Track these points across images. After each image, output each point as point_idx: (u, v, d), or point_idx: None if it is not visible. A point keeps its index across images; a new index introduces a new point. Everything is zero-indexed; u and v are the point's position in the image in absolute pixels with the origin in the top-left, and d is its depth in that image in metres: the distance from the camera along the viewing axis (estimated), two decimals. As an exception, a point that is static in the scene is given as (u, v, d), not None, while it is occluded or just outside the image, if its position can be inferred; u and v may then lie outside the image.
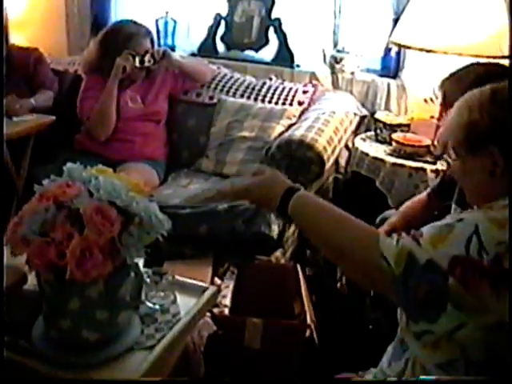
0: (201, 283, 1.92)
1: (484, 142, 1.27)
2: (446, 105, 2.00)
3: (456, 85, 1.94)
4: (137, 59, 3.09)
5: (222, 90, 3.35)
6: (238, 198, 1.52)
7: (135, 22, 3.22)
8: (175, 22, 3.91)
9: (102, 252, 1.33)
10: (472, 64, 2.03)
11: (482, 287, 1.10)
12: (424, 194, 2.33)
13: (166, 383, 1.46)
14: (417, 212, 2.26)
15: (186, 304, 1.74)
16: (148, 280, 1.71)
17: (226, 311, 2.21)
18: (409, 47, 3.02)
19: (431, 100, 3.01)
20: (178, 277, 1.83)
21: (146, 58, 3.11)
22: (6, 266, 1.45)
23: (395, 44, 3.11)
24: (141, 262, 1.63)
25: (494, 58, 2.57)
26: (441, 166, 2.81)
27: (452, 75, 2.01)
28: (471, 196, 1.38)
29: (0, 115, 2.66)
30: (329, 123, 2.90)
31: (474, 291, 1.11)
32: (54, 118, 3.20)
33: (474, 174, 1.32)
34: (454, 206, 2.17)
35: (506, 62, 2.43)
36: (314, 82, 3.49)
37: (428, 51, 2.83)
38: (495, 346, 1.15)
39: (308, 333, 2.14)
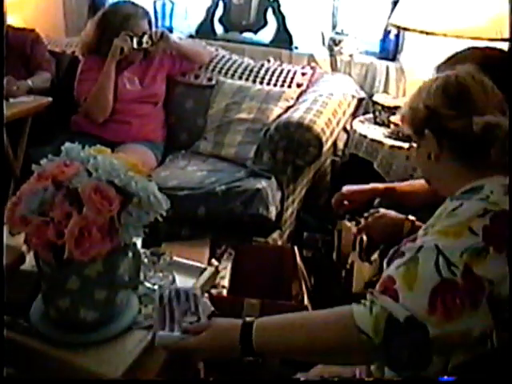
0: (199, 264, 1.93)
1: (422, 127, 1.37)
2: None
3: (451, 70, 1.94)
4: (134, 40, 3.07)
5: (220, 72, 3.33)
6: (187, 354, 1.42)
7: (133, 3, 3.20)
8: (173, 3, 3.89)
9: (100, 231, 1.34)
10: (469, 48, 2.00)
11: (465, 311, 1.13)
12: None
13: (166, 383, 1.47)
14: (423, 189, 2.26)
15: (184, 284, 1.74)
16: (146, 260, 1.71)
17: (224, 292, 2.21)
18: (408, 29, 3.01)
19: (430, 83, 2.99)
20: (176, 257, 1.84)
21: (144, 39, 3.09)
22: (4, 246, 1.45)
23: (394, 26, 3.09)
24: (139, 242, 1.63)
25: (494, 40, 2.56)
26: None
27: (449, 59, 1.99)
28: (431, 184, 1.49)
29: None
30: (327, 105, 2.89)
31: (458, 321, 1.13)
32: (50, 99, 3.19)
33: (420, 159, 1.43)
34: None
35: (505, 45, 2.42)
36: (313, 64, 3.48)
37: (427, 33, 2.81)
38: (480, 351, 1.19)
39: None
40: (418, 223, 2.05)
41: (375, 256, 2.12)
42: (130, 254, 1.50)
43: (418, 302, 1.14)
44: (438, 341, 1.13)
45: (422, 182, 2.29)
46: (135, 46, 3.08)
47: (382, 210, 2.14)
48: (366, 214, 2.15)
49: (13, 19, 3.59)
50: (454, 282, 1.14)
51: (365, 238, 2.14)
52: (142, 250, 1.64)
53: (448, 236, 1.19)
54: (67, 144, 1.50)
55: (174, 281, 1.76)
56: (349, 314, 1.20)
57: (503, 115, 1.32)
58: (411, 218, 2.04)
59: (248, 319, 1.33)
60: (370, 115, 3.24)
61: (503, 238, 1.18)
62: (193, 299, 1.55)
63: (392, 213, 2.10)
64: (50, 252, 1.36)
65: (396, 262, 1.24)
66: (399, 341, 1.15)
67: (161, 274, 1.74)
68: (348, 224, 2.13)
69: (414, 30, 2.88)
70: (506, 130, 1.27)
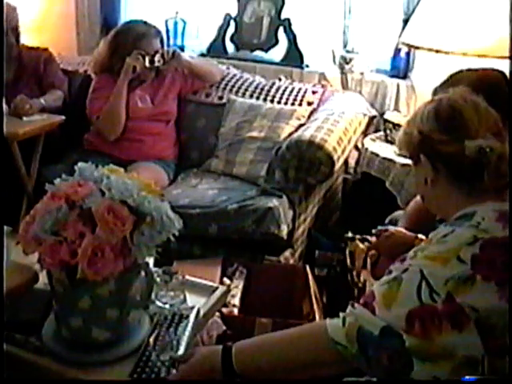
0: (211, 283, 1.92)
1: (417, 152, 1.37)
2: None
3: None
4: (147, 59, 3.09)
5: (231, 91, 3.34)
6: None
7: (145, 22, 3.22)
8: (185, 22, 3.91)
9: (113, 251, 1.34)
10: (462, 70, 2.00)
11: (445, 331, 1.13)
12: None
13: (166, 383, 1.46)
14: (421, 213, 2.26)
15: (195, 304, 1.74)
16: (158, 279, 1.71)
17: (236, 311, 2.20)
18: (418, 48, 3.02)
19: (441, 101, 2.99)
20: (187, 276, 1.83)
21: (156, 57, 3.11)
22: (18, 265, 1.46)
23: (405, 45, 3.10)
24: (151, 262, 1.64)
25: (504, 58, 2.55)
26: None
27: (444, 82, 1.99)
28: (429, 208, 1.49)
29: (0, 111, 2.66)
30: (338, 123, 2.89)
31: (438, 339, 1.13)
32: (63, 117, 3.21)
33: (417, 183, 1.43)
34: None
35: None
36: (324, 82, 3.48)
37: (438, 52, 2.82)
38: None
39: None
40: None
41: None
42: (143, 274, 1.51)
43: (395, 319, 1.17)
44: (417, 350, 1.14)
45: (418, 200, 2.31)
46: (147, 64, 3.10)
47: (392, 228, 2.14)
48: (374, 231, 2.15)
49: (26, 39, 3.62)
50: (434, 307, 1.15)
51: (374, 255, 2.14)
52: (154, 269, 1.64)
53: (435, 262, 1.19)
54: (80, 163, 1.50)
55: (184, 300, 1.76)
56: (323, 327, 1.25)
57: (499, 136, 1.31)
58: (421, 236, 2.04)
59: (228, 344, 1.36)
60: (381, 133, 3.24)
61: (492, 265, 1.17)
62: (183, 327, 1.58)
63: (402, 231, 2.10)
64: (63, 271, 1.37)
65: (382, 279, 1.26)
66: (376, 348, 1.17)
67: (172, 293, 1.74)
68: (361, 245, 2.14)
69: (425, 49, 2.88)
70: (498, 153, 1.27)
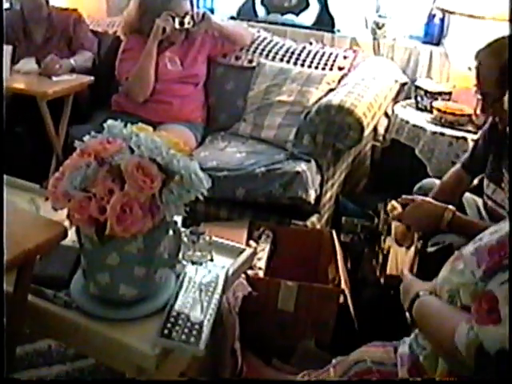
0: (238, 244, 1.93)
1: None
2: (479, 76, 1.96)
3: (492, 59, 1.89)
4: (176, 21, 3.07)
5: (261, 54, 3.31)
6: None
7: (175, -16, 3.19)
8: (215, -16, 3.88)
9: (142, 208, 1.34)
10: (504, 37, 1.95)
11: None
12: (458, 167, 2.28)
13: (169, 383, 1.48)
14: (453, 188, 2.24)
15: (222, 264, 1.75)
16: (185, 239, 1.71)
17: (261, 274, 2.21)
18: (454, 13, 2.95)
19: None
20: (215, 238, 1.84)
21: (186, 19, 3.09)
22: (47, 221, 1.47)
23: (440, 9, 3.04)
24: (179, 221, 1.64)
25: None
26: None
27: (488, 46, 1.95)
28: None
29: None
30: (369, 89, 2.85)
31: None
32: (92, 78, 3.22)
33: None
34: (486, 181, 2.13)
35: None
36: (355, 47, 3.43)
37: (474, 17, 2.75)
38: None
39: (342, 299, 2.14)
40: (458, 214, 2.02)
41: (415, 242, 2.10)
42: (171, 232, 1.51)
43: None
44: None
45: (452, 175, 2.28)
46: (177, 26, 3.08)
47: (419, 198, 2.11)
48: (399, 200, 2.13)
49: (56, 1, 3.61)
50: None
51: (401, 224, 2.12)
52: (181, 229, 1.64)
53: None
54: (110, 121, 1.50)
55: (212, 260, 1.76)
56: (455, 326, 1.19)
57: None
58: (451, 208, 2.01)
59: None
60: (412, 100, 3.20)
61: None
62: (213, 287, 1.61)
63: (431, 201, 2.07)
64: (91, 228, 1.37)
65: (499, 277, 1.16)
66: (489, 370, 1.12)
67: (199, 253, 1.75)
68: (396, 205, 2.12)
69: (461, 14, 2.82)
70: None
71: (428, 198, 2.11)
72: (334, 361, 1.61)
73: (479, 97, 2.00)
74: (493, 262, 1.19)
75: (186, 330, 1.44)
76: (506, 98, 1.80)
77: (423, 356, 1.38)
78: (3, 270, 1.23)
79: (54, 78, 3.08)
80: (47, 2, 3.39)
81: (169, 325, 1.45)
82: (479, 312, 1.15)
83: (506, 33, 2.00)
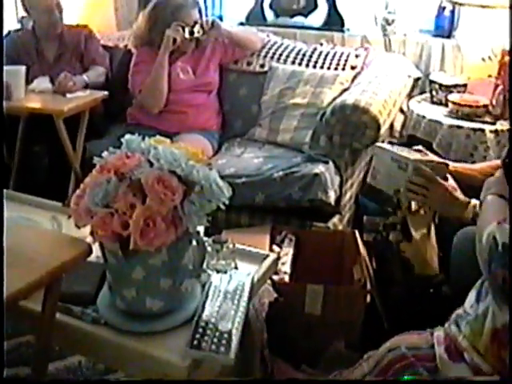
0: (261, 251, 1.92)
1: None
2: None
3: None
4: (186, 30, 3.07)
5: (272, 58, 3.31)
6: None
7: (183, -6, 3.20)
8: (222, -9, 3.89)
9: (164, 221, 1.34)
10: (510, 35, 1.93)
11: None
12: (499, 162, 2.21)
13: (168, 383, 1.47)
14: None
15: (246, 271, 1.74)
16: (209, 248, 1.71)
17: (286, 278, 2.20)
18: (463, 4, 2.94)
19: (489, 58, 2.91)
20: (238, 245, 1.83)
21: (196, 28, 3.09)
22: (71, 239, 1.47)
23: (449, 2, 3.02)
24: (202, 231, 1.64)
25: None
26: (501, 126, 2.73)
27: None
28: None
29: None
30: (383, 86, 2.84)
31: None
32: (106, 93, 3.24)
33: None
34: None
35: None
36: (366, 45, 3.43)
37: (484, 7, 2.74)
38: None
39: (369, 298, 2.13)
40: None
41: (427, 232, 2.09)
42: (194, 243, 1.51)
43: None
44: None
45: (482, 165, 2.23)
46: (187, 35, 3.08)
47: (451, 182, 2.04)
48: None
49: (65, 17, 3.64)
50: None
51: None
52: (204, 239, 1.64)
53: None
54: (127, 136, 1.50)
55: (236, 268, 1.76)
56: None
57: None
58: (475, 202, 1.97)
59: None
60: (427, 95, 3.19)
61: None
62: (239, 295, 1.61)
63: (458, 191, 1.99)
64: (115, 243, 1.38)
65: None
66: (496, 260, 1.26)
67: (223, 262, 1.74)
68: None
69: (471, 4, 2.81)
70: None
71: (455, 185, 2.02)
72: (365, 356, 1.60)
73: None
74: None
75: (216, 340, 1.44)
76: None
77: (466, 321, 1.44)
78: (3, 271, 1.24)
79: (69, 96, 3.10)
80: (61, 19, 3.40)
81: (198, 335, 1.45)
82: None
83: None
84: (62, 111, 2.94)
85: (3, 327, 1.22)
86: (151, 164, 1.39)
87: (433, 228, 2.11)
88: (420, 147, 2.09)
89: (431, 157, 2.05)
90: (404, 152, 2.01)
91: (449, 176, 1.95)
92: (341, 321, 2.12)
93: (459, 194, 1.90)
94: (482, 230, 1.35)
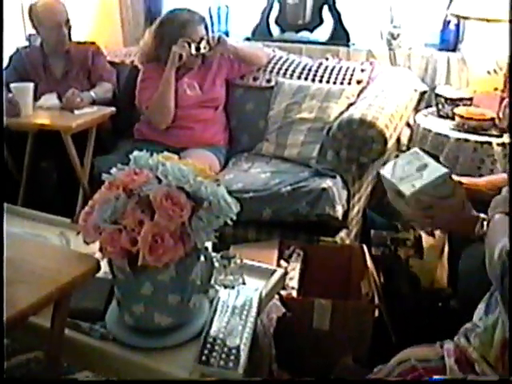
0: (269, 266, 1.92)
1: None
2: None
3: None
4: (193, 46, 3.09)
5: (278, 73, 3.32)
6: None
7: (189, 10, 3.21)
8: (228, 7, 3.91)
9: (172, 237, 1.35)
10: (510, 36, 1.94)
11: None
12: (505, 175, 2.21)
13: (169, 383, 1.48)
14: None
15: (254, 287, 1.75)
16: (217, 264, 1.72)
17: (294, 293, 2.20)
18: (468, 18, 2.95)
19: (494, 71, 2.92)
20: (245, 260, 1.84)
21: (202, 44, 3.11)
22: (79, 255, 1.48)
23: (454, 16, 3.04)
24: (210, 246, 1.64)
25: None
26: (508, 138, 2.73)
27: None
28: None
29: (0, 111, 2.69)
30: (389, 100, 2.85)
31: None
32: (114, 109, 3.25)
33: None
34: None
35: None
36: (371, 59, 3.43)
37: (489, 21, 2.75)
38: None
39: (377, 313, 2.13)
40: None
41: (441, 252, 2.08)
42: (202, 258, 1.51)
43: None
44: None
45: (489, 178, 2.23)
46: (193, 51, 3.10)
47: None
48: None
49: (73, 33, 3.67)
50: None
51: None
52: (212, 254, 1.64)
53: None
54: (135, 152, 1.52)
55: (244, 283, 1.76)
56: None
57: None
58: (483, 216, 1.96)
59: None
60: (433, 108, 3.19)
61: None
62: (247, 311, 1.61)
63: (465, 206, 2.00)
64: (124, 259, 1.38)
65: None
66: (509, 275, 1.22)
67: (231, 277, 1.75)
68: None
69: (476, 18, 2.82)
70: None
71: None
72: (375, 369, 1.60)
73: None
74: None
75: (224, 356, 1.44)
76: None
77: (475, 333, 1.43)
78: (3, 277, 1.24)
79: (76, 112, 3.11)
80: (69, 36, 3.43)
81: (206, 351, 1.45)
82: None
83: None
84: (69, 127, 2.96)
85: (3, 328, 1.22)
86: (159, 180, 1.40)
87: (446, 248, 2.10)
88: None
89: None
90: (406, 173, 2.00)
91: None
92: (349, 336, 2.12)
93: (467, 210, 1.89)
94: (493, 246, 1.33)
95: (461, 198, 1.85)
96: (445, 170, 1.88)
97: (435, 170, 1.92)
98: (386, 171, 2.09)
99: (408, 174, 1.99)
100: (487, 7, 2.76)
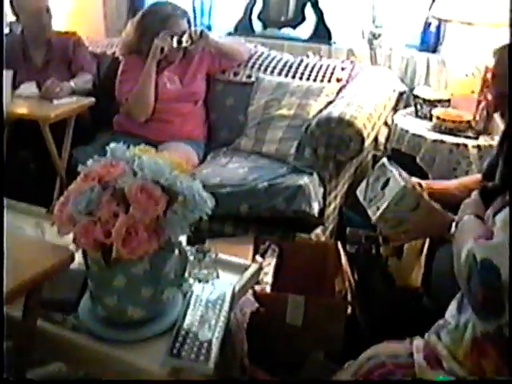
0: (243, 261, 1.94)
1: None
2: (494, 74, 1.94)
3: None
4: (174, 40, 3.09)
5: (259, 69, 3.32)
6: None
7: (171, 4, 3.21)
8: (211, 0, 3.90)
9: (147, 230, 1.36)
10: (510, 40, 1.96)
11: None
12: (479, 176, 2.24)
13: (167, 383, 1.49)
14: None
15: (228, 281, 1.76)
16: (191, 258, 1.73)
17: (268, 289, 2.21)
18: (449, 21, 2.97)
19: (473, 74, 2.95)
20: (220, 254, 1.85)
21: (184, 38, 3.10)
22: (53, 246, 1.48)
23: (435, 18, 3.06)
24: (184, 240, 1.65)
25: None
26: (484, 141, 2.76)
27: (507, 45, 1.94)
28: None
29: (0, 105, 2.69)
30: (368, 100, 2.87)
31: None
32: (93, 100, 3.24)
33: None
34: None
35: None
36: (352, 58, 3.45)
37: (470, 24, 2.77)
38: None
39: (349, 310, 2.14)
40: None
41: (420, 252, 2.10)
42: (177, 252, 1.52)
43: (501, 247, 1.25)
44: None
45: (461, 181, 2.26)
46: (175, 45, 3.10)
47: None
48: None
49: (54, 23, 3.64)
50: None
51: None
52: (187, 248, 1.65)
53: None
54: (112, 144, 1.52)
55: (218, 278, 1.77)
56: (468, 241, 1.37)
57: None
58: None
59: None
60: (412, 109, 3.21)
61: None
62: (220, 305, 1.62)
63: (437, 210, 2.03)
64: (98, 251, 1.39)
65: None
66: (475, 278, 1.27)
67: (205, 271, 1.76)
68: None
69: (456, 21, 2.84)
70: None
71: (435, 205, 2.04)
72: (345, 365, 1.62)
73: (489, 97, 2.00)
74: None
75: (195, 349, 1.46)
76: None
77: (447, 330, 1.46)
78: (3, 272, 1.24)
79: (55, 102, 3.10)
80: (50, 24, 3.40)
81: (178, 344, 1.46)
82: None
83: (502, 38, 2.01)
84: (48, 117, 2.94)
85: (3, 327, 1.23)
86: (135, 173, 1.40)
87: (425, 248, 2.12)
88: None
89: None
90: (374, 193, 2.05)
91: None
92: (322, 332, 2.13)
93: (439, 214, 1.92)
94: (460, 248, 1.36)
95: (427, 205, 1.88)
96: (401, 184, 1.91)
97: (394, 186, 1.95)
98: (360, 191, 2.14)
99: (375, 193, 2.04)
100: (468, 10, 2.78)
